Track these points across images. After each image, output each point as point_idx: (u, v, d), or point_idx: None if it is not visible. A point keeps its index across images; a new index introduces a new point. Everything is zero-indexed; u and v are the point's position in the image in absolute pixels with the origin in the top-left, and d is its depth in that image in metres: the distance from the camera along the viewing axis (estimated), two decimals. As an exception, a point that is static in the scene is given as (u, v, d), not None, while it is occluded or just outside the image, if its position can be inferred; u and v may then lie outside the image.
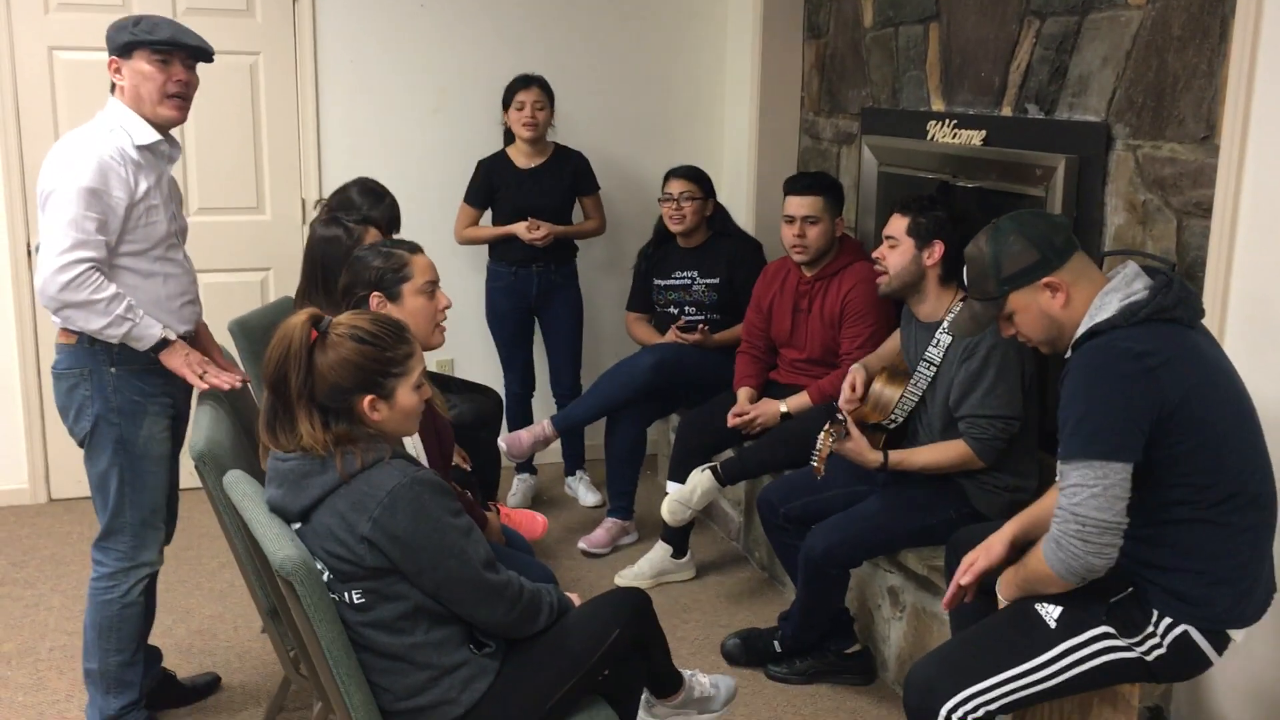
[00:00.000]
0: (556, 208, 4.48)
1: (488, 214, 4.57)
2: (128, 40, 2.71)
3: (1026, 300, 2.24)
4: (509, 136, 4.50)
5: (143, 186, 2.73)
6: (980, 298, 2.31)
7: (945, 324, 3.06)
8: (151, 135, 2.76)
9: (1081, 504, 2.07)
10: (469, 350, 4.88)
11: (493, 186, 4.48)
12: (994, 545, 2.40)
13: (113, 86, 2.78)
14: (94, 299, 2.62)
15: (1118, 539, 2.09)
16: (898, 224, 3.15)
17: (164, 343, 2.74)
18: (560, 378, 4.66)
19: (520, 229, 4.37)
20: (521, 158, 4.47)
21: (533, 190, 4.43)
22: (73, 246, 2.60)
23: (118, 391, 2.76)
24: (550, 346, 4.68)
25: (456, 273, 4.68)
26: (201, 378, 2.76)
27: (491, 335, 4.67)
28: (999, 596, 2.37)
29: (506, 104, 4.40)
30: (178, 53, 2.75)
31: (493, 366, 4.75)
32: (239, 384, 2.83)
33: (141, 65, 2.72)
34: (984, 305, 2.31)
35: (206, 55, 2.80)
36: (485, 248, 4.61)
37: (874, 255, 3.22)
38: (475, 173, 4.51)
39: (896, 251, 3.13)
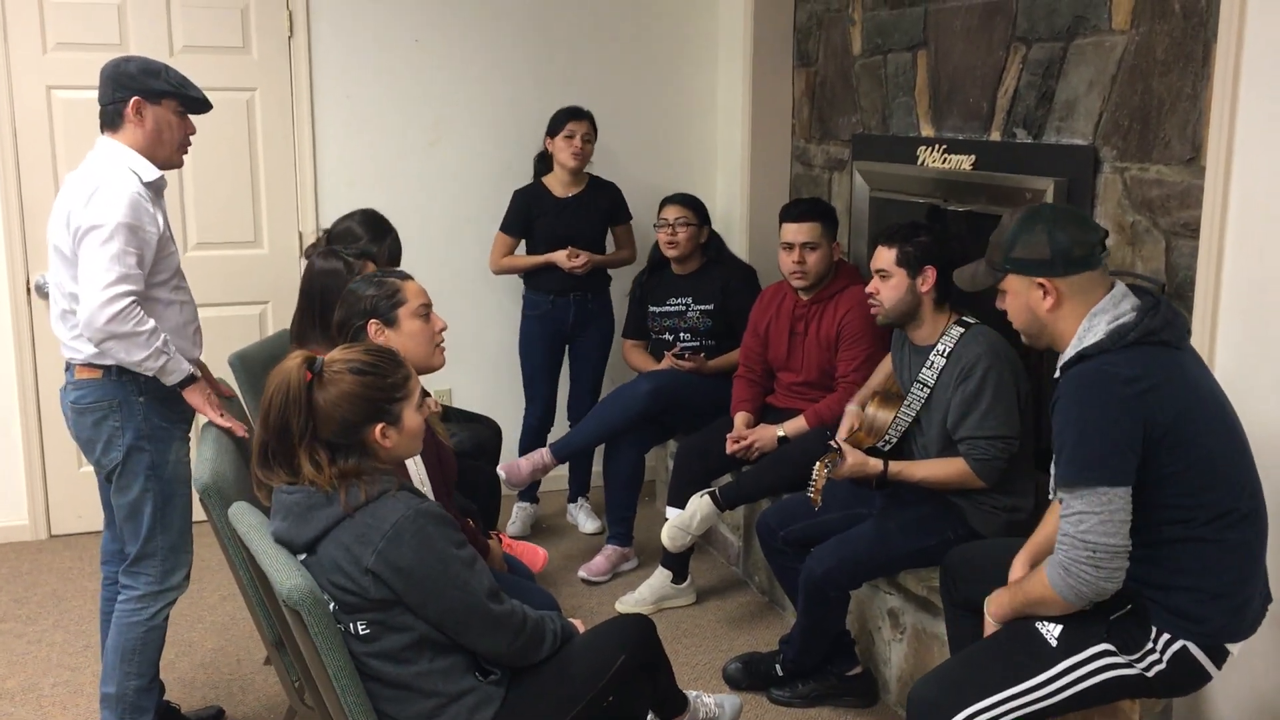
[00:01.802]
0: (593, 236, 4.53)
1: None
2: (163, 89, 2.84)
3: (1019, 286, 2.29)
4: (544, 166, 4.54)
5: (160, 220, 2.83)
6: (988, 262, 2.36)
7: (939, 346, 3.09)
8: (155, 172, 2.86)
9: (1089, 531, 2.09)
10: (466, 380, 4.90)
11: (531, 216, 4.52)
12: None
13: (113, 124, 2.86)
14: (138, 331, 2.70)
15: (1126, 562, 2.12)
16: (885, 256, 3.15)
17: (191, 379, 2.84)
18: (579, 404, 4.69)
19: (560, 257, 4.41)
20: (559, 187, 4.51)
21: (571, 219, 4.48)
22: (117, 280, 2.68)
23: (147, 420, 2.85)
24: (575, 373, 4.71)
25: (457, 307, 4.71)
26: (221, 417, 2.88)
27: (520, 364, 4.70)
28: (987, 616, 2.39)
29: (554, 131, 4.44)
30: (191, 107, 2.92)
31: (490, 397, 4.77)
32: (245, 434, 2.91)
33: (170, 115, 2.87)
34: (987, 270, 2.36)
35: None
36: (515, 278, 4.65)
37: (867, 290, 3.23)
38: (512, 202, 4.55)
39: (889, 284, 3.15)
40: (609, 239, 4.66)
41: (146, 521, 2.88)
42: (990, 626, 2.39)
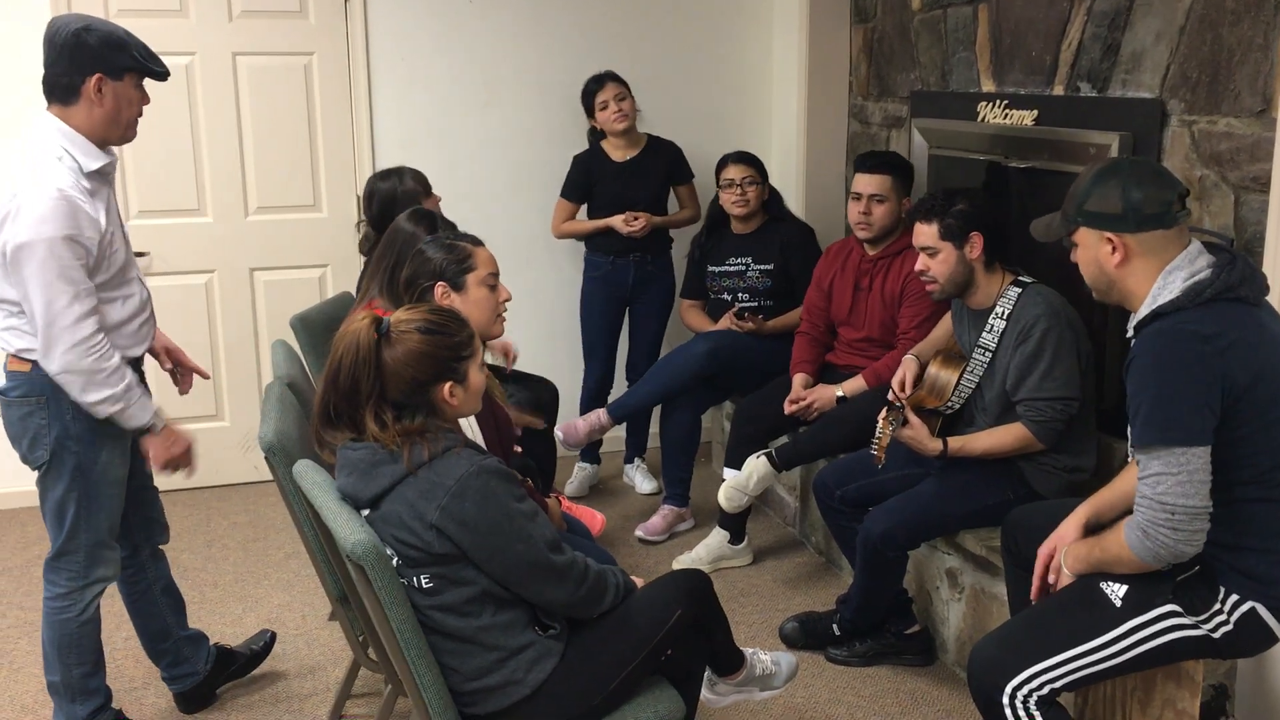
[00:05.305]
0: (652, 199, 4.53)
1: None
2: (128, 64, 2.59)
3: (1089, 240, 2.25)
4: (599, 134, 4.55)
5: (102, 218, 2.59)
6: (1062, 213, 2.32)
7: (998, 309, 3.05)
8: (101, 158, 2.61)
9: (1168, 492, 2.06)
10: (523, 342, 4.91)
11: (590, 181, 4.54)
12: (1066, 534, 2.40)
13: (64, 99, 2.57)
14: (100, 367, 2.56)
15: (1206, 524, 2.08)
16: (927, 232, 3.10)
17: (148, 430, 2.70)
18: (638, 365, 4.71)
19: (618, 222, 4.44)
20: (617, 151, 4.52)
21: (630, 183, 4.49)
22: (72, 300, 2.51)
23: (76, 419, 2.66)
24: (635, 335, 4.73)
25: (513, 268, 4.72)
26: (173, 467, 2.77)
27: (581, 325, 4.72)
28: (1064, 569, 2.36)
29: (590, 109, 4.48)
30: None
31: (547, 358, 4.79)
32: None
33: (130, 91, 2.62)
34: (1061, 221, 2.32)
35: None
36: (576, 241, 4.68)
37: (917, 269, 3.19)
38: (572, 168, 4.58)
39: (938, 259, 3.11)
40: (671, 199, 4.65)
41: (70, 520, 2.73)
42: (1041, 579, 2.38)
